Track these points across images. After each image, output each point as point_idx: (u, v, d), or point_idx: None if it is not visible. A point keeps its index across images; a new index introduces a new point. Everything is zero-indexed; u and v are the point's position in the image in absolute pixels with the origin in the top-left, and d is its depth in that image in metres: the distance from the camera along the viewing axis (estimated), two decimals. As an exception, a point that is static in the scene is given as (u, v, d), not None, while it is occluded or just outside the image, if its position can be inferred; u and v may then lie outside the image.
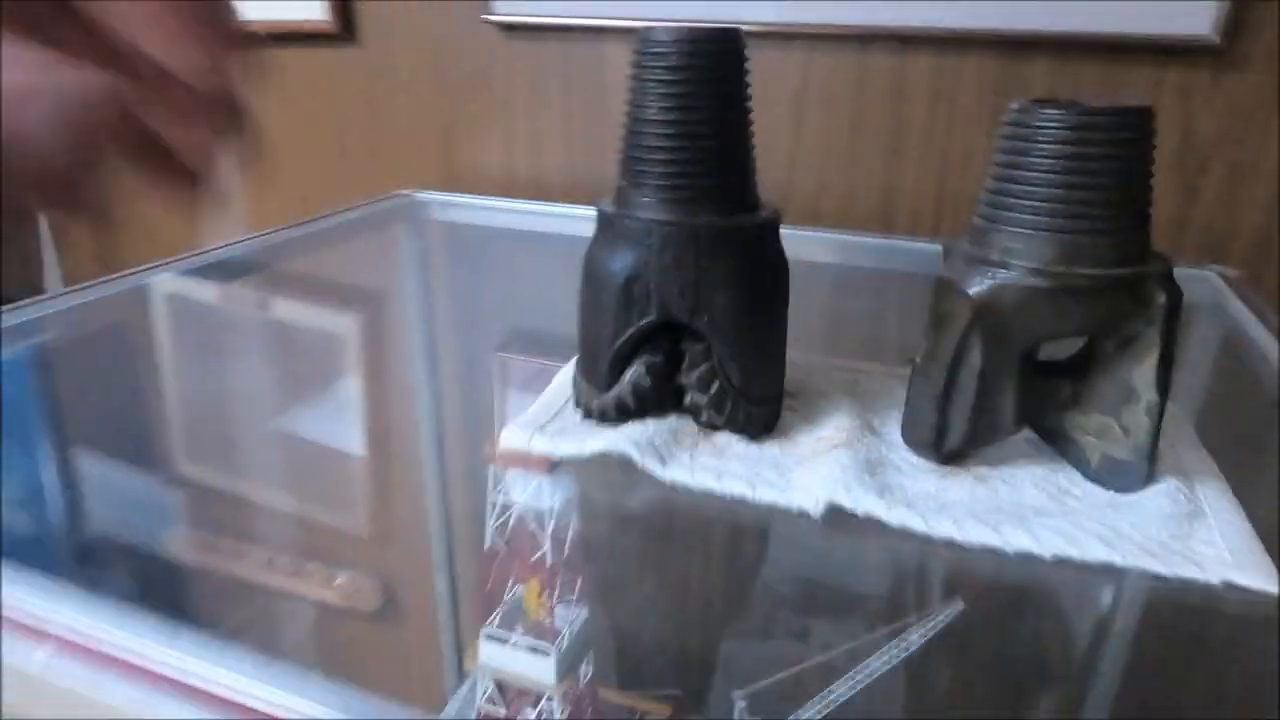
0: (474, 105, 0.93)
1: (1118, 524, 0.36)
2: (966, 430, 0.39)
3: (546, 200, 0.90)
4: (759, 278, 0.42)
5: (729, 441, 0.43)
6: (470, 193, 0.92)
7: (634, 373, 0.43)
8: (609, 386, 0.43)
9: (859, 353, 0.71)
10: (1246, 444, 0.55)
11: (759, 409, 0.43)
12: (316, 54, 0.97)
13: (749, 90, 0.41)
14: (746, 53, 0.40)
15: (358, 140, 1.01)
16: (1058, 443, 0.41)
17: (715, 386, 0.42)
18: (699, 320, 0.41)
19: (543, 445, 0.42)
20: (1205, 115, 0.72)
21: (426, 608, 0.74)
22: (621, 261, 0.41)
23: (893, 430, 0.43)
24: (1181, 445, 0.42)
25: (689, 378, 0.43)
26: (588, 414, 0.44)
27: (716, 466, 0.40)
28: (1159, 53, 0.72)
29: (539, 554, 0.50)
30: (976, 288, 0.37)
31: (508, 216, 0.90)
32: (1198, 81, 0.72)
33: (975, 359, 0.38)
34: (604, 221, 0.43)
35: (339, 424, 0.70)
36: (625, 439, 0.41)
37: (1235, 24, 0.69)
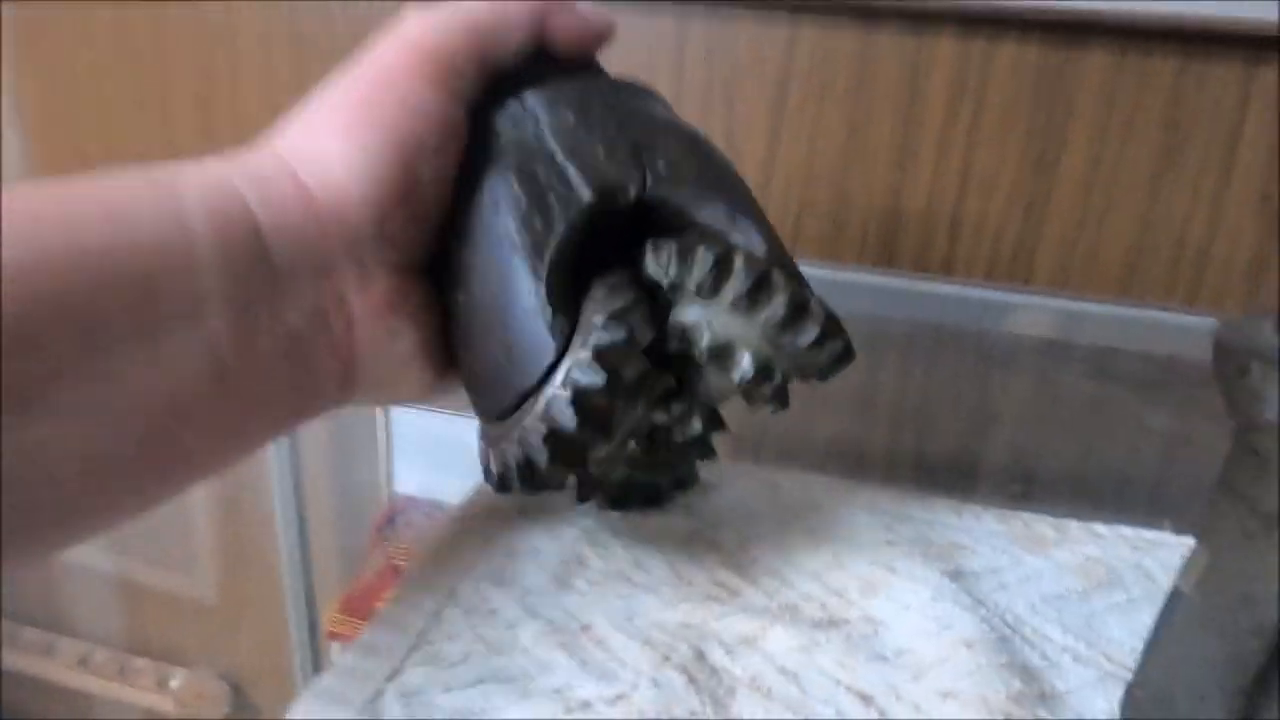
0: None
1: None
2: (1288, 737, 0.19)
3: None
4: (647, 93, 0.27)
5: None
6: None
7: (599, 335, 0.21)
8: (533, 390, 0.22)
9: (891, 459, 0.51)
10: None
11: (798, 288, 0.23)
12: None
13: None
14: None
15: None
16: None
17: (739, 260, 0.23)
18: (656, 175, 0.23)
19: None
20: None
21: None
22: (498, 155, 0.24)
23: (1085, 690, 0.23)
24: None
25: (691, 274, 0.23)
26: (504, 484, 0.23)
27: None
28: (1251, 45, 0.55)
29: None
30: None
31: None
32: (1297, 87, 0.55)
33: (1352, 613, 0.17)
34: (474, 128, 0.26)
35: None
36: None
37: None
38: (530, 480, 0.22)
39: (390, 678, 0.22)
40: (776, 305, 0.22)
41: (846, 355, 0.24)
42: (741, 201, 0.24)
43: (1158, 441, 0.54)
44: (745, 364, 0.23)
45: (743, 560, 0.28)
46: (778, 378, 0.24)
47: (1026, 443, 0.55)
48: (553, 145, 0.23)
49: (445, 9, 0.24)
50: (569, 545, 0.28)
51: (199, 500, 0.77)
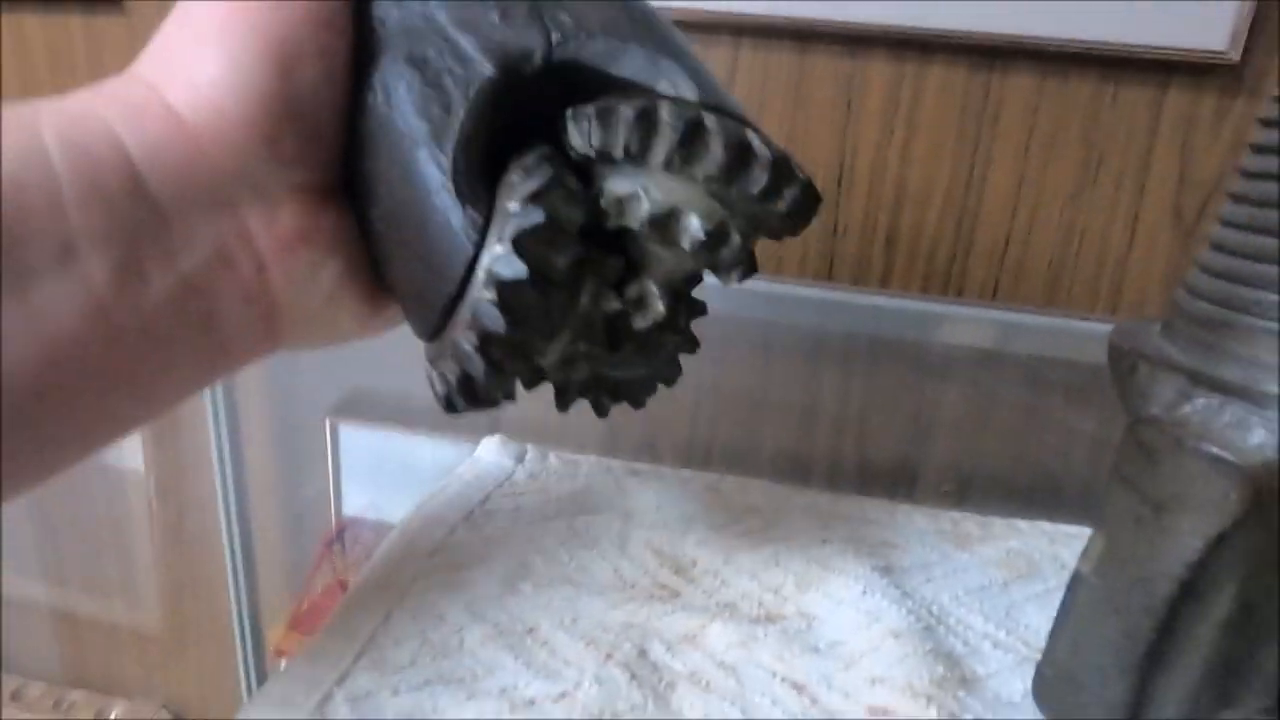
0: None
1: None
2: (1183, 710, 0.20)
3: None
4: None
5: None
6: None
7: (516, 222, 0.19)
8: (456, 296, 0.20)
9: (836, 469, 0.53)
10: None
11: (737, 128, 0.20)
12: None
13: None
14: None
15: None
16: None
17: (664, 110, 0.19)
18: (571, 42, 0.20)
19: None
20: (1209, 148, 0.59)
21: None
22: (385, 48, 0.20)
23: (1005, 674, 0.24)
24: None
25: (642, 156, 0.19)
26: (450, 405, 0.21)
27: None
28: (1163, 69, 0.58)
29: None
30: (1255, 455, 0.18)
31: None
32: (1202, 108, 0.59)
33: (1230, 591, 0.19)
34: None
35: (117, 503, 0.59)
36: None
37: (1254, 37, 0.57)
38: (473, 396, 0.20)
39: (339, 681, 0.23)
40: (714, 154, 0.19)
41: (808, 199, 0.20)
42: (664, 43, 0.21)
43: (1084, 443, 0.56)
44: (693, 228, 0.20)
45: (683, 561, 0.29)
46: (734, 239, 0.20)
47: (961, 447, 0.57)
48: (441, 20, 0.20)
49: None
50: (515, 551, 0.29)
51: (139, 525, 0.76)
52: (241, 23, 0.19)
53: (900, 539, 0.31)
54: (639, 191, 0.20)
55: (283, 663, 0.48)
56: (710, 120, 0.19)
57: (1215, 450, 0.19)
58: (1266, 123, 0.20)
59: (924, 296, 0.64)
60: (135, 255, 0.18)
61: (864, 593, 0.27)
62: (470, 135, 0.19)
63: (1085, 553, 0.22)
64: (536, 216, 0.19)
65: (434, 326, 0.20)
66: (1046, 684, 0.22)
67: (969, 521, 0.33)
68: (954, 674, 0.24)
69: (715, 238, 0.20)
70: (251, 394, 0.62)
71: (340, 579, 0.48)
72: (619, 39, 0.20)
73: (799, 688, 0.24)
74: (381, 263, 0.22)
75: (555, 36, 0.20)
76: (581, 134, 0.20)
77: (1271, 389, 0.18)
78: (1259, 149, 0.20)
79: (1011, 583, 0.29)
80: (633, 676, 0.23)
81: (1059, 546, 0.31)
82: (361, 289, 0.22)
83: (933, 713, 0.22)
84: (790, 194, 0.20)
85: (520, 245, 0.19)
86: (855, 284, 0.66)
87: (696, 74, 0.20)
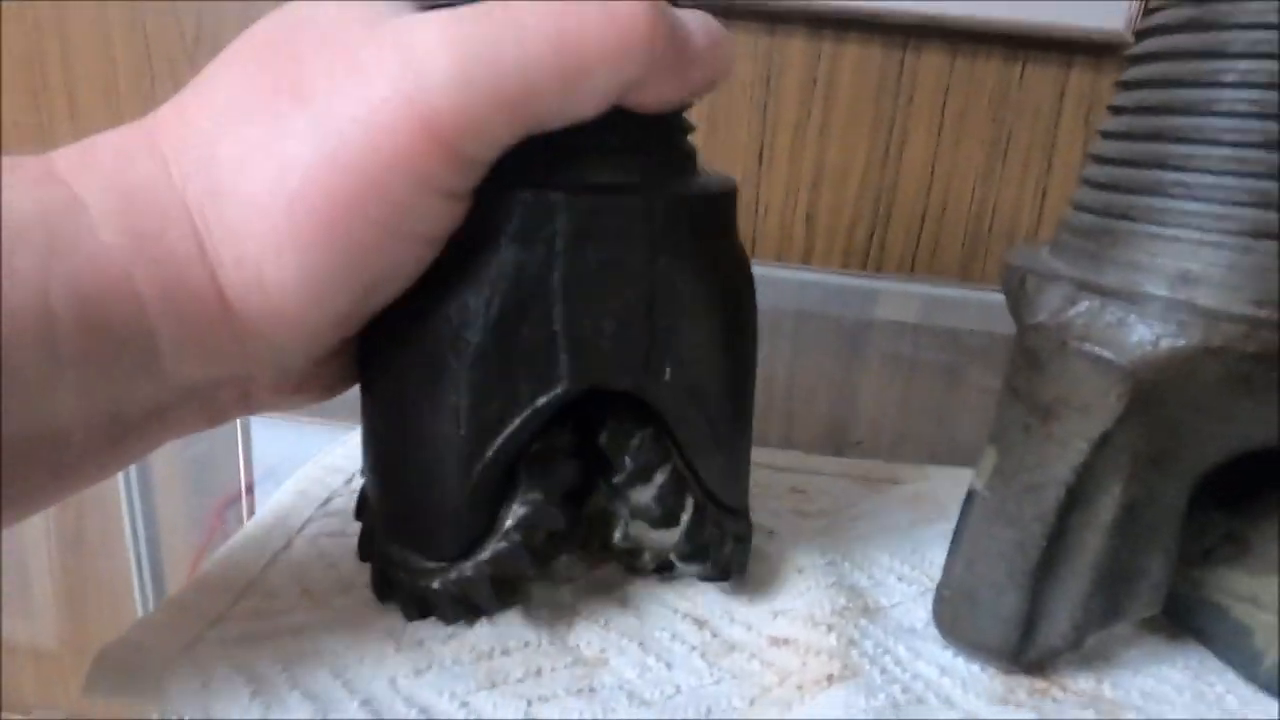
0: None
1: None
2: (1074, 619, 0.21)
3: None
4: (737, 292, 0.22)
5: (672, 603, 0.22)
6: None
7: (523, 514, 0.20)
8: (457, 545, 0.21)
9: (781, 433, 0.52)
10: None
11: (739, 526, 0.23)
12: None
13: None
14: None
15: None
16: (1196, 619, 0.23)
17: (689, 508, 0.21)
18: (657, 384, 0.20)
19: None
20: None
21: None
22: (479, 281, 0.18)
23: (908, 604, 0.24)
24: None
25: (624, 498, 0.21)
26: (409, 598, 0.22)
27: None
28: (1065, 49, 0.60)
29: None
30: (1136, 352, 0.18)
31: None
32: (1102, 86, 0.61)
33: (1115, 493, 0.19)
34: None
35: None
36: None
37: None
38: (467, 613, 0.22)
39: (212, 624, 0.21)
40: (684, 516, 0.21)
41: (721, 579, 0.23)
42: (727, 427, 0.22)
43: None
44: (646, 559, 0.24)
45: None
46: (677, 570, 0.24)
47: (880, 411, 0.58)
48: (556, 295, 0.18)
49: (477, 32, 0.15)
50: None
51: (35, 538, 0.71)
52: (350, 236, 0.16)
53: (811, 485, 0.31)
54: (620, 521, 0.22)
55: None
56: (711, 530, 0.22)
57: (1097, 350, 0.19)
58: (1141, 33, 0.20)
59: (845, 272, 0.64)
60: (122, 410, 0.17)
61: (771, 534, 0.27)
62: (509, 445, 0.19)
63: (978, 469, 0.22)
64: (541, 505, 0.20)
65: (408, 540, 0.21)
66: (945, 605, 0.22)
67: (881, 468, 0.33)
68: (856, 604, 0.24)
69: (662, 567, 0.24)
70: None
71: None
72: (697, 408, 0.21)
73: (700, 622, 0.23)
74: (366, 431, 0.22)
75: (648, 378, 0.20)
76: (612, 458, 0.21)
77: (1149, 289, 0.19)
78: (1135, 59, 0.20)
79: (919, 522, 0.29)
80: (527, 614, 0.22)
81: (965, 487, 0.31)
82: (336, 389, 0.22)
83: (832, 640, 0.22)
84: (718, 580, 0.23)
85: (532, 516, 0.20)
86: (778, 260, 0.67)
87: (734, 465, 0.23)
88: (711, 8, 0.60)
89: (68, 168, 0.16)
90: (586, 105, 0.17)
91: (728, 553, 0.22)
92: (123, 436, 0.17)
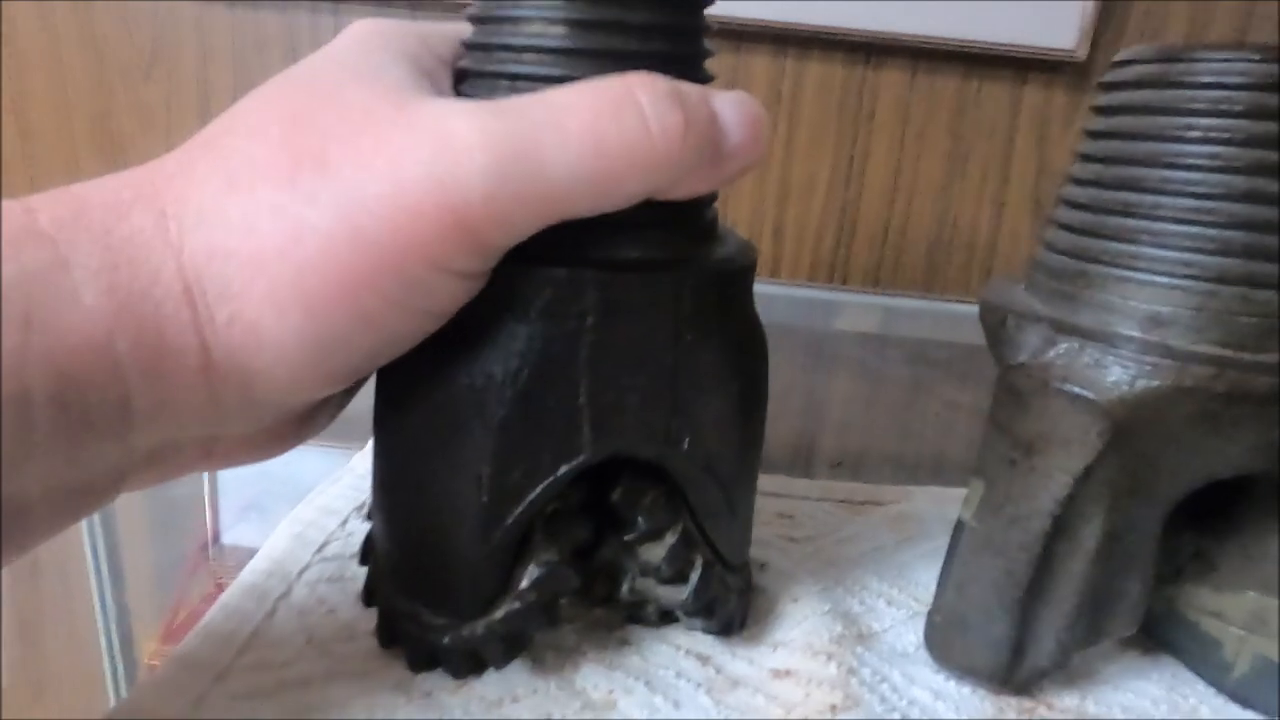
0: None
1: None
2: (1059, 641, 0.22)
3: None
4: (753, 360, 0.22)
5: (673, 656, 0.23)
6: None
7: (538, 575, 0.21)
8: (469, 602, 0.21)
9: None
10: None
11: (741, 581, 0.24)
12: None
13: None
14: None
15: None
16: (1171, 635, 0.24)
17: (698, 566, 0.22)
18: (675, 454, 0.21)
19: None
20: (1061, 139, 0.63)
21: None
22: (508, 353, 0.19)
23: (899, 628, 0.25)
24: None
25: (635, 556, 0.22)
26: (417, 650, 0.22)
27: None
28: (1019, 66, 0.62)
29: None
30: (1113, 391, 0.19)
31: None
32: (1054, 102, 0.63)
33: (1096, 522, 0.20)
34: None
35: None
36: None
37: (1099, 36, 0.61)
38: (472, 669, 0.22)
39: (218, 679, 0.21)
40: (693, 576, 0.22)
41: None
42: (738, 492, 0.23)
43: (966, 415, 0.59)
44: (650, 610, 0.24)
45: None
46: (679, 618, 0.24)
47: (852, 424, 0.59)
48: (583, 369, 0.19)
49: (517, 130, 0.16)
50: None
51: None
52: (360, 307, 0.16)
53: (797, 510, 0.32)
54: (630, 576, 0.23)
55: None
56: (720, 597, 0.23)
57: (1077, 389, 0.20)
58: (1107, 86, 0.22)
59: (811, 284, 0.66)
60: (86, 478, 0.16)
61: (764, 566, 0.28)
62: (533, 501, 0.20)
63: (966, 500, 0.23)
64: (555, 567, 0.21)
65: (412, 590, 0.21)
66: (936, 631, 0.23)
67: (861, 490, 0.34)
68: (851, 631, 0.25)
69: (665, 616, 0.25)
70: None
71: (219, 583, 0.45)
72: (713, 475, 0.21)
73: (703, 659, 0.24)
74: (390, 494, 0.22)
75: (668, 447, 0.20)
76: (626, 517, 0.21)
77: (1124, 330, 0.20)
78: (1102, 110, 0.22)
79: (902, 543, 0.30)
80: (535, 660, 0.23)
81: (945, 506, 0.32)
82: (301, 436, 0.21)
83: (832, 669, 0.23)
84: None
85: (548, 577, 0.21)
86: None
87: (739, 531, 0.23)
88: (786, 37, 0.60)
89: (52, 221, 0.15)
90: (617, 205, 0.17)
91: (731, 608, 0.23)
92: (82, 503, 0.17)
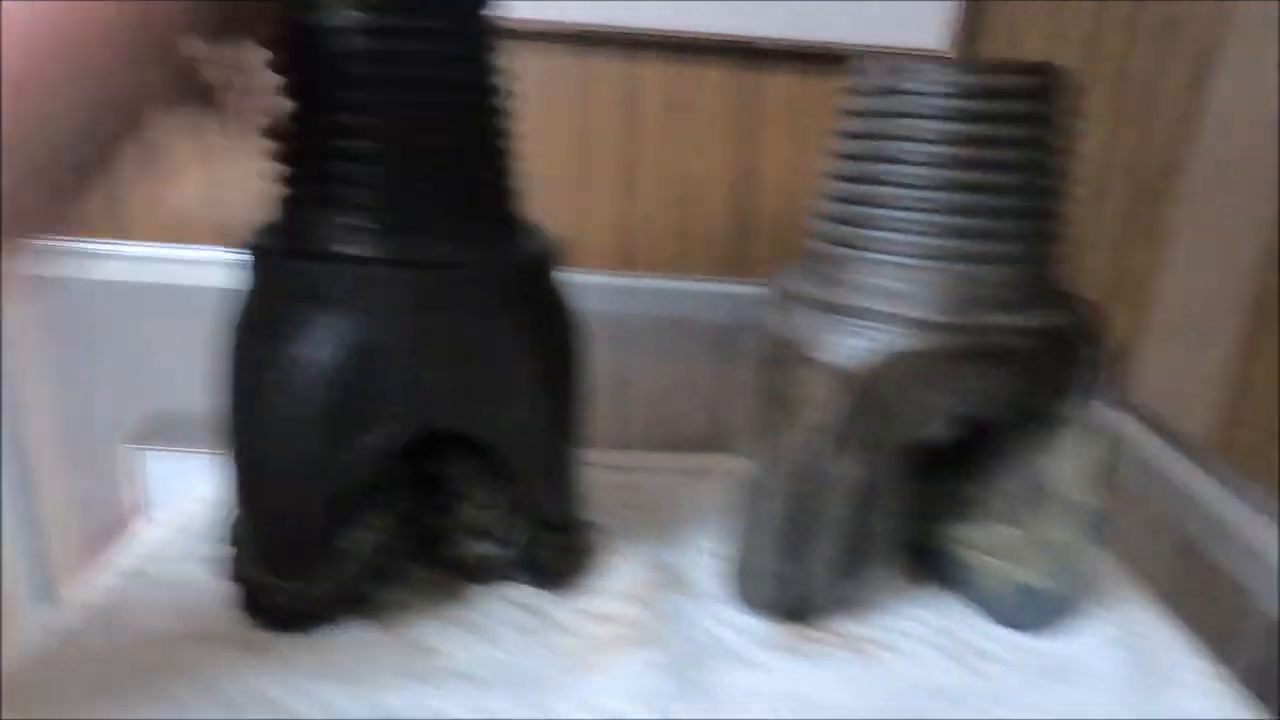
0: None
1: (1074, 702, 0.23)
2: (829, 575, 0.25)
3: (180, 243, 0.65)
4: (557, 341, 0.26)
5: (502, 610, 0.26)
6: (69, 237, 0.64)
7: (361, 540, 0.24)
8: (310, 568, 0.24)
9: (622, 435, 0.56)
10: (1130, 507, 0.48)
11: (574, 540, 0.28)
12: None
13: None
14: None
15: None
16: (938, 567, 0.28)
17: (523, 528, 0.26)
18: (481, 423, 0.24)
19: None
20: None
21: None
22: (322, 343, 0.22)
23: (709, 575, 0.28)
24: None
25: (466, 521, 0.26)
26: (271, 615, 0.25)
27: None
28: (898, 67, 0.66)
29: None
30: (849, 356, 0.22)
31: (123, 266, 0.64)
32: (935, 100, 0.67)
33: (847, 467, 0.23)
34: (270, 273, 0.23)
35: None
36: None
37: (969, 36, 0.65)
38: (348, 604, 0.25)
39: (79, 642, 0.23)
40: (514, 537, 0.26)
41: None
42: (555, 457, 0.26)
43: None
44: (483, 572, 0.27)
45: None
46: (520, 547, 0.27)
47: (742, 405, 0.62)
48: (393, 354, 0.22)
49: None
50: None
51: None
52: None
53: (643, 481, 0.35)
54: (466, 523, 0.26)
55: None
56: (544, 549, 0.26)
57: (826, 357, 0.23)
58: (850, 91, 0.25)
59: (714, 279, 0.69)
60: None
61: (602, 529, 0.31)
62: (355, 474, 0.23)
63: (748, 459, 0.26)
64: (375, 535, 0.24)
65: (302, 564, 0.24)
66: (730, 574, 0.26)
67: (703, 460, 0.37)
68: (669, 578, 0.28)
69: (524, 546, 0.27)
70: (44, 419, 0.59)
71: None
72: (527, 448, 0.25)
73: (531, 610, 0.26)
74: (238, 477, 0.25)
75: (481, 422, 0.24)
76: (456, 489, 0.25)
77: (864, 304, 0.23)
78: (849, 113, 0.25)
79: (729, 504, 0.33)
80: (373, 616, 0.25)
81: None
82: None
83: (642, 611, 0.26)
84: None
85: (370, 543, 0.24)
86: (653, 271, 0.71)
87: (566, 491, 0.27)
88: (572, 33, 0.63)
89: None
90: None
91: (558, 565, 0.26)
92: None
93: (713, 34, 0.66)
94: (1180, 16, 0.64)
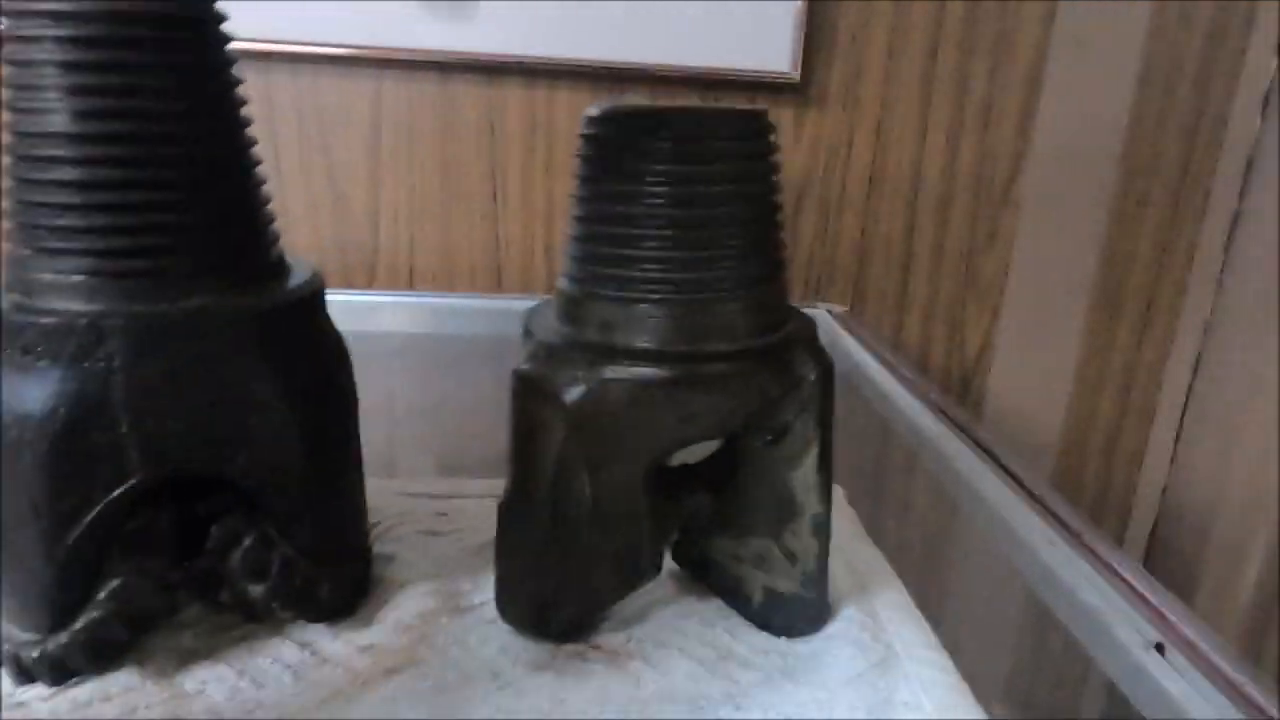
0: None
1: (800, 700, 0.25)
2: (576, 591, 0.26)
3: None
4: (316, 378, 0.26)
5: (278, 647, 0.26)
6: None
7: (113, 587, 0.24)
8: (59, 621, 0.24)
9: (461, 462, 0.56)
10: (891, 500, 0.50)
11: (346, 571, 0.28)
12: None
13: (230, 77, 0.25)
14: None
15: None
16: (711, 577, 0.29)
17: (277, 564, 0.26)
18: (230, 466, 0.24)
19: None
20: (793, 153, 0.70)
21: None
22: (38, 398, 0.22)
23: (488, 597, 0.29)
24: (844, 537, 0.33)
25: (242, 561, 0.26)
26: (24, 672, 0.25)
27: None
28: (748, 88, 0.69)
29: None
30: (571, 391, 0.24)
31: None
32: (783, 119, 0.70)
33: (584, 489, 0.25)
34: None
35: None
36: None
37: (811, 59, 0.68)
38: (108, 654, 0.25)
39: None
40: (273, 573, 0.26)
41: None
42: (317, 493, 0.26)
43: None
44: (257, 609, 0.27)
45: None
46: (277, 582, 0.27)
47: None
48: (120, 405, 0.22)
49: None
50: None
51: None
52: None
53: (452, 508, 0.36)
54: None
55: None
56: (302, 583, 0.26)
57: (554, 388, 0.24)
58: (586, 138, 0.26)
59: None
60: None
61: (392, 559, 0.31)
62: (91, 523, 0.23)
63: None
64: (135, 580, 0.24)
65: (49, 617, 0.24)
66: (497, 596, 0.27)
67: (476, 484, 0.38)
68: (447, 606, 0.29)
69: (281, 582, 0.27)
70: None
71: None
72: (275, 488, 0.25)
73: (304, 645, 0.27)
74: None
75: (224, 464, 0.24)
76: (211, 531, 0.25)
77: (587, 338, 0.24)
78: (583, 158, 0.26)
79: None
80: (138, 663, 0.26)
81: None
82: None
83: (406, 640, 0.27)
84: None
85: (127, 591, 0.24)
86: (523, 291, 0.72)
87: (334, 525, 0.27)
88: (430, 62, 0.64)
89: None
90: None
91: (323, 597, 0.27)
92: None
93: (569, 60, 0.68)
94: (1010, 31, 0.69)
